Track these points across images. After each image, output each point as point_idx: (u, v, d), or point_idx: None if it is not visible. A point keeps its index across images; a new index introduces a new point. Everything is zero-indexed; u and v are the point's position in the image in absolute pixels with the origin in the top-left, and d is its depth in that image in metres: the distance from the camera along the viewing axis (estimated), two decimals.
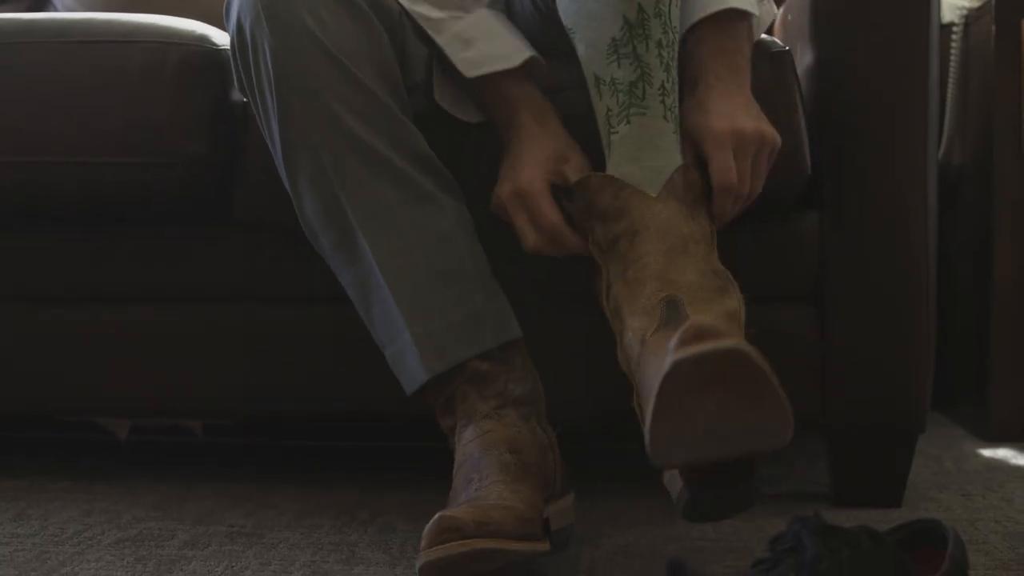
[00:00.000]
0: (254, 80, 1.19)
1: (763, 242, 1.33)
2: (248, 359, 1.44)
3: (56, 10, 2.16)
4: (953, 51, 1.79)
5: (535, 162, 1.18)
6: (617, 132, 1.10)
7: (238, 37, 1.19)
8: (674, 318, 1.03)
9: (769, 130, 1.16)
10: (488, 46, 1.21)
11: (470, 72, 1.21)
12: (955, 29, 1.79)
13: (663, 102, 1.10)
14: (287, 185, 1.21)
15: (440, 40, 1.23)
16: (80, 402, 1.51)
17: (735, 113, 1.14)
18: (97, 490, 1.48)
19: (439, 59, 1.27)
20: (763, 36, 1.30)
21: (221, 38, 1.41)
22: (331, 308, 1.32)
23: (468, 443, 1.15)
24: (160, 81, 1.38)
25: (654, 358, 1.00)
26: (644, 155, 1.10)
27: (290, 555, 1.20)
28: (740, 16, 1.19)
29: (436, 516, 1.02)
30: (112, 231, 1.46)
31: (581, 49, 1.12)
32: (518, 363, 1.20)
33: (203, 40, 1.40)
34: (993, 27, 1.66)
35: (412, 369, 1.18)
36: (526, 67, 1.22)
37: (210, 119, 1.38)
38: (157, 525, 1.32)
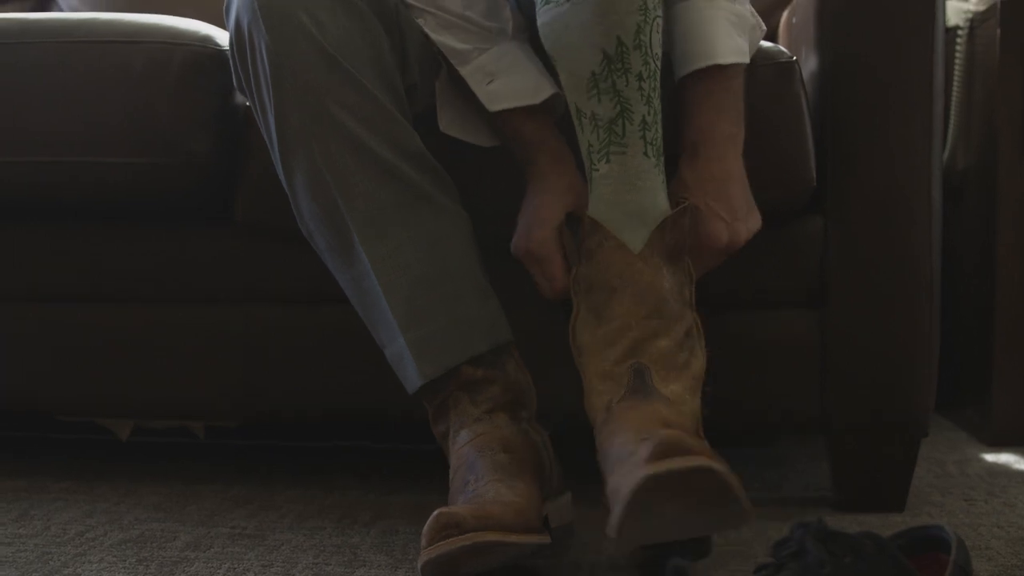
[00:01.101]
0: (252, 79, 1.20)
1: (766, 245, 1.32)
2: (250, 360, 1.44)
3: (60, 10, 2.16)
4: (958, 55, 1.79)
5: (547, 217, 1.19)
6: (598, 170, 1.11)
7: (236, 36, 1.20)
8: (640, 388, 1.07)
9: (755, 226, 1.20)
10: (511, 80, 1.21)
11: (492, 106, 1.21)
12: (960, 33, 1.79)
13: (643, 137, 1.10)
14: (284, 185, 1.21)
15: (464, 71, 1.23)
16: (81, 402, 1.51)
17: (734, 211, 1.18)
18: (99, 491, 1.48)
19: (445, 85, 1.27)
20: (768, 45, 1.30)
21: (225, 39, 1.41)
22: (333, 309, 1.32)
23: (462, 447, 1.16)
24: (164, 81, 1.38)
25: (619, 440, 1.03)
26: (624, 197, 1.10)
27: (292, 557, 1.20)
28: (734, 67, 1.19)
29: (435, 513, 1.03)
30: (115, 231, 1.46)
31: (563, 78, 1.11)
32: (510, 367, 1.21)
33: (207, 41, 1.40)
34: (998, 31, 1.66)
35: (409, 373, 1.19)
36: (547, 104, 1.22)
37: (213, 120, 1.38)
38: (159, 526, 1.32)
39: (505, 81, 1.21)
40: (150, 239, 1.46)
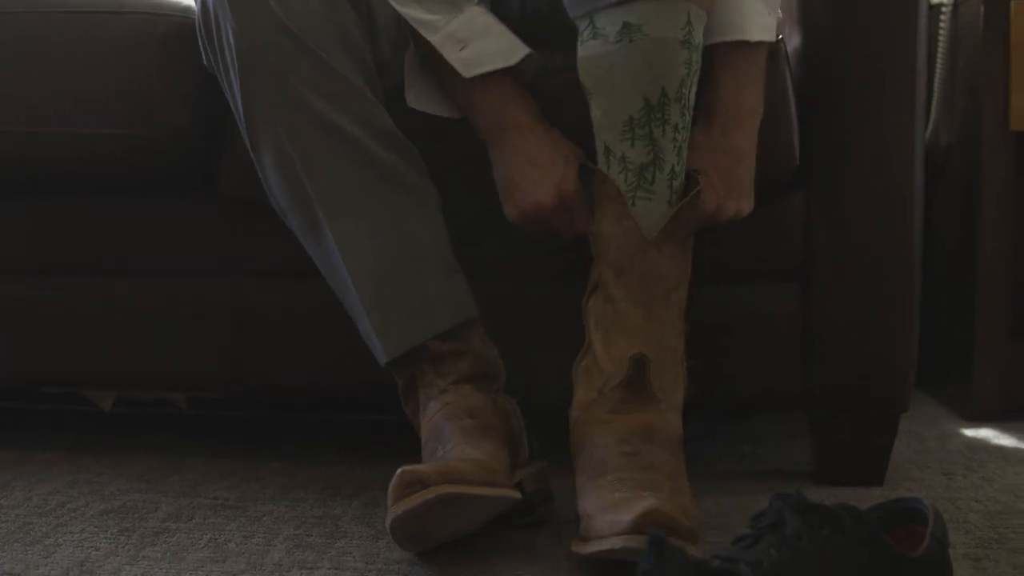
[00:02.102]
0: (219, 59, 1.21)
1: (749, 220, 1.33)
2: (234, 332, 1.44)
3: None
4: (941, 31, 1.79)
5: (568, 159, 1.19)
6: None
7: (203, 17, 1.20)
8: (636, 381, 1.10)
9: (746, 209, 1.22)
10: (484, 44, 1.21)
11: (468, 72, 1.20)
12: (944, 9, 1.79)
13: (671, 186, 1.12)
14: (255, 162, 1.22)
15: (434, 39, 1.22)
16: (64, 373, 1.51)
17: (731, 188, 1.19)
18: (81, 462, 1.48)
19: (412, 60, 1.27)
20: None
21: None
22: (317, 282, 1.32)
23: (431, 418, 1.17)
24: (147, 52, 1.38)
25: (600, 445, 1.09)
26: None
27: (273, 528, 1.20)
28: (763, 44, 1.21)
29: (398, 471, 1.04)
30: (99, 203, 1.46)
31: (596, 114, 1.12)
32: (475, 342, 1.22)
33: (190, 11, 1.39)
34: (982, 8, 1.66)
35: (376, 351, 1.22)
36: (521, 66, 1.21)
37: (196, 91, 1.38)
38: (141, 497, 1.32)
39: (478, 45, 1.21)
40: (135, 211, 1.46)
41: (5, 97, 1.40)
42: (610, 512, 1.00)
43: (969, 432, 1.65)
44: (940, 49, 1.79)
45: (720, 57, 1.19)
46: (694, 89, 1.12)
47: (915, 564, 0.86)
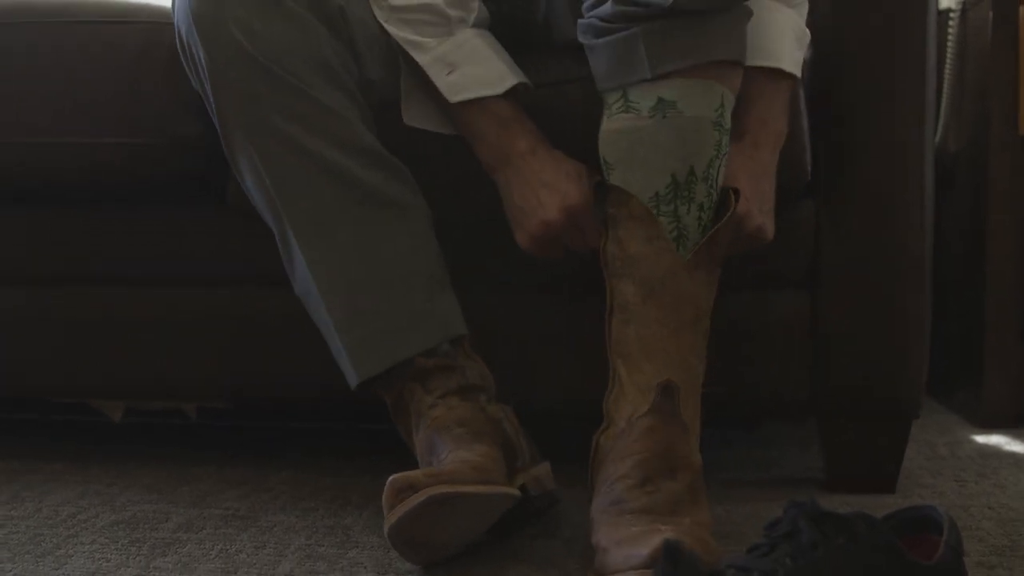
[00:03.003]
0: (197, 83, 1.23)
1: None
2: (242, 342, 1.44)
3: None
4: (950, 37, 1.79)
5: (570, 175, 1.18)
6: None
7: (179, 41, 1.22)
8: (665, 408, 1.08)
9: (772, 230, 1.21)
10: (473, 70, 1.20)
11: (453, 97, 1.20)
12: (952, 15, 1.79)
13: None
14: (240, 183, 1.24)
15: (423, 61, 1.21)
16: (73, 384, 1.51)
17: (768, 206, 1.20)
18: (91, 472, 1.48)
19: (406, 77, 1.26)
20: None
21: None
22: None
23: (423, 434, 1.17)
24: (155, 62, 1.38)
25: (617, 470, 1.08)
26: None
27: (285, 538, 1.20)
28: (791, 76, 1.22)
29: (389, 479, 1.04)
30: (107, 213, 1.46)
31: (618, 185, 1.12)
32: (461, 357, 1.21)
33: None
34: (990, 13, 1.66)
35: (347, 372, 1.22)
36: (510, 94, 1.21)
37: (202, 101, 1.38)
38: (151, 508, 1.32)
39: (467, 70, 1.20)
40: (142, 221, 1.45)
41: (8, 106, 1.40)
42: (625, 546, 0.99)
43: (981, 438, 1.64)
44: (948, 54, 1.79)
45: (754, 81, 1.19)
46: (722, 170, 1.12)
47: (930, 573, 0.86)
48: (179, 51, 1.23)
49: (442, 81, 1.20)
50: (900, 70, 1.30)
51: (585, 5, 1.14)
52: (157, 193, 1.43)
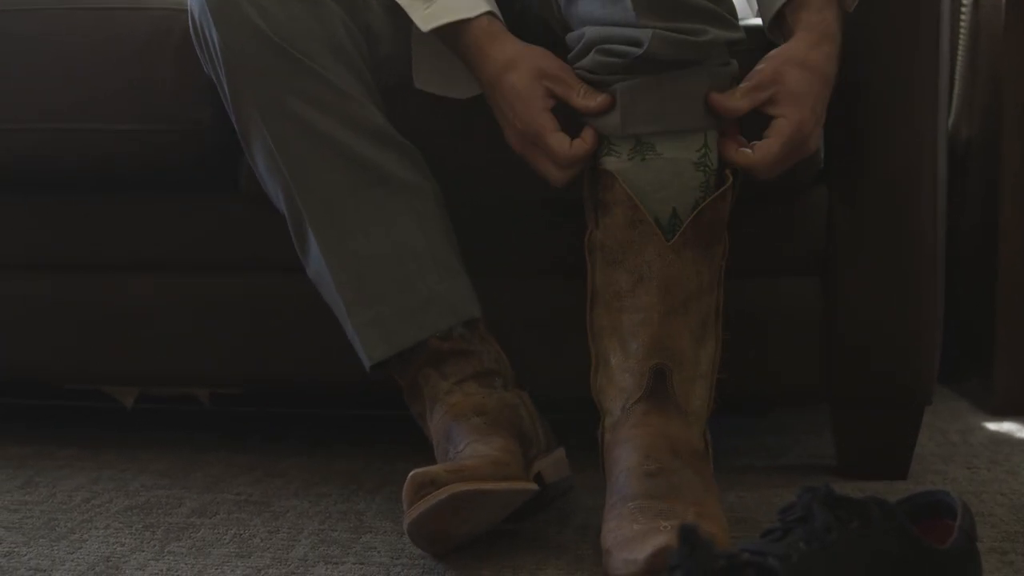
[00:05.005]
0: (210, 66, 1.22)
1: (770, 214, 1.33)
2: (255, 327, 1.44)
3: None
4: (963, 22, 1.78)
5: (526, 96, 1.14)
6: None
7: (192, 24, 1.22)
8: (658, 392, 1.09)
9: (815, 145, 1.16)
10: (447, 1, 1.18)
11: (425, 25, 1.18)
12: (965, 1, 1.78)
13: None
14: (253, 168, 1.24)
15: (402, 1, 1.20)
16: (86, 370, 1.52)
17: (814, 101, 1.12)
18: (104, 458, 1.49)
19: (418, 41, 1.25)
20: None
21: None
22: None
23: (439, 420, 1.17)
24: (166, 49, 1.38)
25: (623, 459, 1.08)
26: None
27: (298, 523, 1.21)
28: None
29: (410, 475, 1.04)
30: (119, 200, 1.46)
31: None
32: (476, 341, 1.21)
33: None
34: (1003, 0, 1.65)
35: (360, 355, 1.21)
36: (483, 19, 1.17)
37: (214, 88, 1.38)
38: (165, 493, 1.33)
39: (442, 2, 1.18)
40: (154, 208, 1.46)
41: (22, 94, 1.41)
42: (625, 549, 0.99)
43: (992, 425, 1.64)
44: (962, 42, 1.79)
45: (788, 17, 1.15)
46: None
47: (944, 557, 0.86)
48: (191, 34, 1.23)
49: (420, 14, 1.18)
50: (914, 56, 1.29)
51: (570, 56, 1.14)
52: (169, 180, 1.43)
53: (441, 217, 1.23)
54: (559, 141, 1.12)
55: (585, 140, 1.12)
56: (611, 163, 1.11)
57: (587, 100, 1.11)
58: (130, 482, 1.37)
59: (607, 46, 1.08)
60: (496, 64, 1.15)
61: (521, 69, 1.14)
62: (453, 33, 1.18)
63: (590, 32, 1.10)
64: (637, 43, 1.06)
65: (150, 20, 1.40)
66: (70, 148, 1.41)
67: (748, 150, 1.11)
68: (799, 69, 1.11)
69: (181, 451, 1.52)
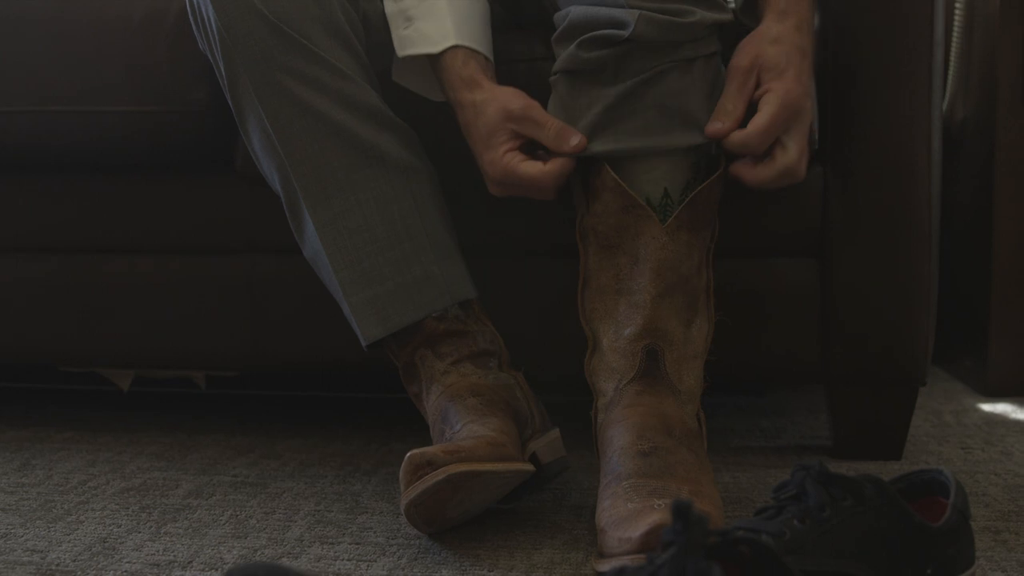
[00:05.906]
0: (206, 45, 1.22)
1: (766, 195, 1.32)
2: (252, 310, 1.44)
3: None
4: (958, 4, 1.78)
5: (489, 143, 1.15)
6: None
7: (189, 4, 1.22)
8: (651, 371, 1.10)
9: (809, 117, 1.13)
10: (424, 26, 1.19)
11: (399, 52, 1.21)
12: None
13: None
14: (248, 147, 1.23)
15: (389, 11, 1.22)
16: (83, 352, 1.52)
17: (796, 71, 1.10)
18: (101, 440, 1.49)
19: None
20: None
21: None
22: None
23: (435, 401, 1.17)
24: (161, 30, 1.38)
25: (616, 439, 1.08)
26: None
27: (294, 504, 1.21)
28: None
29: (407, 455, 1.04)
30: (116, 181, 1.46)
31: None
32: (472, 322, 1.21)
33: None
34: None
35: (357, 334, 1.21)
36: (453, 54, 1.18)
37: (210, 69, 1.38)
38: (161, 475, 1.33)
39: (420, 26, 1.19)
40: (151, 189, 1.46)
41: (19, 76, 1.41)
42: (620, 528, 0.99)
43: (986, 407, 1.65)
44: (957, 22, 1.79)
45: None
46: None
47: (937, 534, 0.86)
48: (188, 14, 1.23)
49: (397, 35, 1.21)
50: (908, 38, 1.29)
51: (553, 37, 1.14)
52: (165, 162, 1.43)
53: (437, 198, 1.23)
54: (530, 168, 1.12)
55: (556, 159, 1.12)
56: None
57: (560, 142, 1.11)
58: (127, 464, 1.38)
59: (590, 35, 1.08)
60: (465, 111, 1.17)
61: (488, 113, 1.15)
62: (425, 57, 1.20)
63: (575, 12, 1.09)
64: (622, 24, 1.05)
65: (146, 2, 1.39)
66: (66, 131, 1.41)
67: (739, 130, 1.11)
68: (772, 45, 1.10)
69: (177, 433, 1.52)
